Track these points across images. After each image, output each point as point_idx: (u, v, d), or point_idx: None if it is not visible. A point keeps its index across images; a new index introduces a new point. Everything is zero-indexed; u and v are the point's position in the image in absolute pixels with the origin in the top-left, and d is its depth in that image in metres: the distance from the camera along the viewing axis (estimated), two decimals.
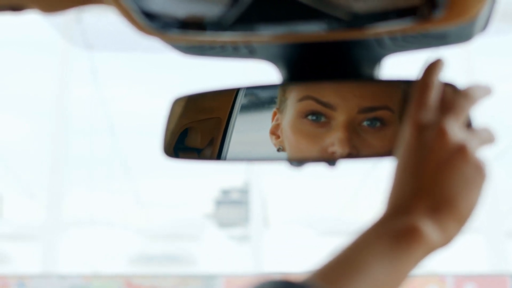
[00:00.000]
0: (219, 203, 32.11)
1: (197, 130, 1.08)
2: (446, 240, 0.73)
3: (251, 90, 1.07)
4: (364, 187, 18.31)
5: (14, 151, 25.92)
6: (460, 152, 0.74)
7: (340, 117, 0.99)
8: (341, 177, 19.78)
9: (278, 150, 1.03)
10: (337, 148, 0.99)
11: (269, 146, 1.05)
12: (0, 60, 22.48)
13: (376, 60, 1.04)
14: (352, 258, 0.69)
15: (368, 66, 1.04)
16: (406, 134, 0.77)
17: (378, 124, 0.99)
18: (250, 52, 1.05)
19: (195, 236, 20.70)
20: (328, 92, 1.01)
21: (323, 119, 1.00)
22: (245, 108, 1.06)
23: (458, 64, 14.06)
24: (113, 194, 20.41)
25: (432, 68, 0.79)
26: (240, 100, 1.06)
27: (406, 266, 0.70)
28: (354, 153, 0.99)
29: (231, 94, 1.07)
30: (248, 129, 1.06)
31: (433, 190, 0.73)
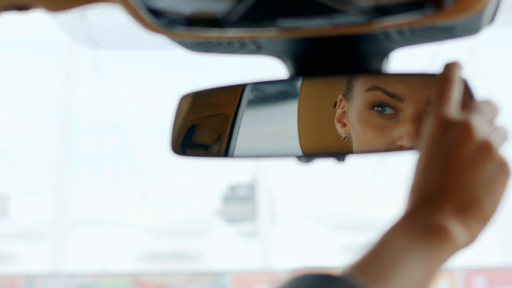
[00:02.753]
0: (227, 199, 32.08)
1: (204, 126, 1.08)
2: (470, 239, 0.73)
3: (258, 85, 1.06)
4: (372, 181, 18.31)
5: (21, 151, 25.99)
6: (485, 149, 0.73)
7: (408, 109, 0.98)
8: (349, 172, 19.77)
9: (344, 138, 1.01)
10: (406, 142, 0.98)
11: (277, 141, 1.05)
12: (5, 61, 22.56)
13: (383, 54, 1.04)
14: (385, 256, 0.68)
15: (376, 60, 1.04)
16: (430, 129, 0.76)
17: None
18: (257, 48, 1.05)
19: (203, 233, 20.71)
20: (396, 83, 1.00)
21: (390, 111, 0.99)
22: (252, 103, 1.06)
23: (464, 55, 14.03)
24: (120, 192, 20.44)
25: (453, 65, 0.79)
26: (247, 95, 1.06)
27: (436, 265, 0.69)
28: None
29: (237, 90, 1.06)
30: (255, 125, 1.06)
31: (458, 189, 0.73)
